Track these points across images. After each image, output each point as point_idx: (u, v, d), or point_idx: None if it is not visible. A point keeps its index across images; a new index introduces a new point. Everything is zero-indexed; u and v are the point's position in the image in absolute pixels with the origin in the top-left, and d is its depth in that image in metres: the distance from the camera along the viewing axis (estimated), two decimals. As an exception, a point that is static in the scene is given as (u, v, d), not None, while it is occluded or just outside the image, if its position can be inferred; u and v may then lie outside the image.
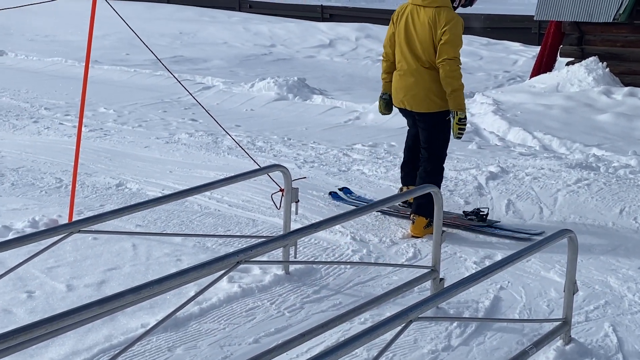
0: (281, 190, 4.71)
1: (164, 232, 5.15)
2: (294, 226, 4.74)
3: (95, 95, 9.83)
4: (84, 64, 12.58)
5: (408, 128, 5.58)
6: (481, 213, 5.44)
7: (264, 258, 4.47)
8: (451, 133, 5.19)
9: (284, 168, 4.48)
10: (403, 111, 5.43)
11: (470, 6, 5.47)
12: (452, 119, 5.12)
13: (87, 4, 14.07)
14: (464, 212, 5.58)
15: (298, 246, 4.66)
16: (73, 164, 5.35)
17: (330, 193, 6.11)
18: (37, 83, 11.46)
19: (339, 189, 6.16)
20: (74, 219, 5.17)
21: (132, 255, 4.69)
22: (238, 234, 5.16)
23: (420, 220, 5.20)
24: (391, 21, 5.43)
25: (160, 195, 5.86)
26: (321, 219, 5.39)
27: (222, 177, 6.41)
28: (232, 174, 6.25)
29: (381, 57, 5.75)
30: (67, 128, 8.43)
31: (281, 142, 8.00)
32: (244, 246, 3.26)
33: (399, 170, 5.69)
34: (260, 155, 7.25)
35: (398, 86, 5.34)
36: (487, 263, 4.72)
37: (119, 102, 9.98)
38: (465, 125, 5.13)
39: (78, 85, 10.79)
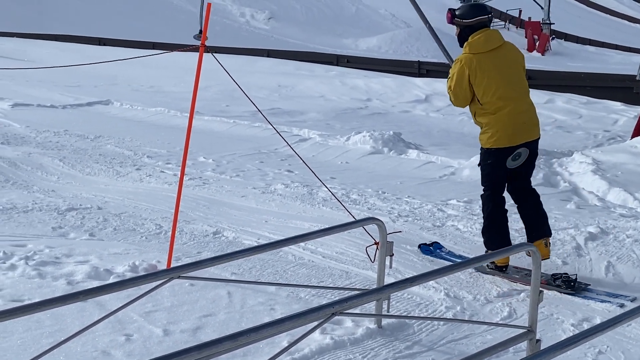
0: (376, 243, 4.72)
1: (259, 280, 5.22)
2: (388, 280, 4.73)
3: (196, 144, 10.11)
4: (185, 115, 12.99)
5: None
6: (570, 280, 5.23)
7: (357, 311, 4.47)
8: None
9: (379, 221, 4.50)
10: None
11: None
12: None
13: (190, 56, 14.56)
14: (552, 275, 5.36)
15: (391, 300, 4.64)
16: (173, 211, 5.51)
17: (419, 246, 6.07)
18: (140, 132, 11.87)
19: (429, 244, 6.11)
20: (172, 265, 5.31)
21: (227, 303, 4.76)
22: (331, 285, 5.19)
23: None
24: None
25: (255, 244, 5.96)
26: (415, 273, 5.37)
27: (316, 228, 6.47)
28: (327, 226, 6.30)
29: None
30: (167, 176, 8.69)
31: (375, 195, 8.03)
32: (338, 298, 3.28)
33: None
34: (354, 207, 7.28)
35: None
36: (586, 326, 4.59)
37: (218, 152, 10.24)
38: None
39: (179, 135, 11.15)
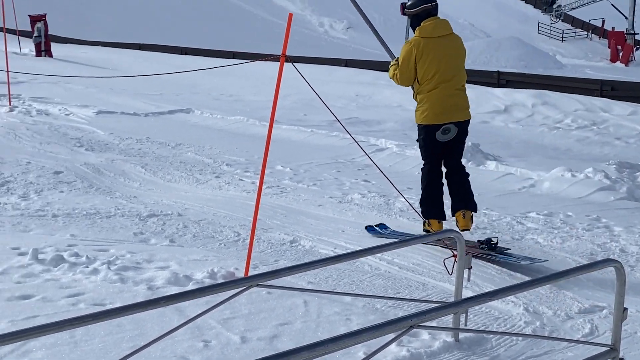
0: (454, 255, 4.66)
1: (335, 290, 5.21)
2: (465, 293, 4.67)
3: (273, 153, 10.15)
4: (264, 123, 13.14)
5: None
6: (492, 242, 5.97)
7: (434, 323, 4.42)
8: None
9: (457, 233, 4.44)
10: None
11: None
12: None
13: (268, 66, 14.72)
14: (478, 241, 6.14)
15: (468, 313, 4.57)
16: (251, 219, 5.56)
17: (366, 227, 6.69)
18: (219, 140, 12.05)
19: (376, 225, 6.72)
20: (249, 273, 5.36)
21: (303, 312, 4.77)
22: (408, 297, 5.14)
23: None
24: None
25: (332, 254, 5.97)
26: (492, 287, 5.29)
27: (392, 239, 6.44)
28: (403, 237, 6.27)
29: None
30: (246, 184, 8.79)
31: (453, 206, 7.94)
32: (417, 310, 3.25)
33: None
34: (431, 219, 7.22)
35: None
36: (673, 346, 4.42)
37: (295, 161, 10.31)
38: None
39: (257, 143, 11.27)
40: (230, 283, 3.65)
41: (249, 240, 5.61)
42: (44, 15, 26.13)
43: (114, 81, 17.28)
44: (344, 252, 6.07)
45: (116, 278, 5.17)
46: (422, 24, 6.14)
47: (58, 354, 4.00)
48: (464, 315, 4.46)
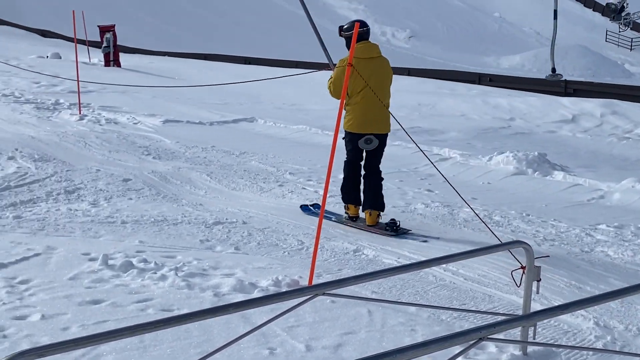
0: (522, 267, 4.59)
1: (399, 300, 5.18)
2: (534, 306, 4.59)
3: (336, 162, 10.20)
4: (326, 132, 13.17)
5: None
6: (395, 224, 7.05)
7: (502, 336, 4.36)
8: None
9: (526, 245, 4.37)
10: None
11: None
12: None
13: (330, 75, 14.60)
14: (385, 223, 7.12)
15: (537, 327, 4.49)
16: (314, 227, 5.57)
17: (300, 206, 7.77)
18: (282, 149, 12.11)
19: (311, 204, 7.82)
20: (313, 281, 5.37)
21: (367, 321, 4.76)
22: (473, 308, 5.08)
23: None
24: None
25: (395, 263, 5.94)
26: (561, 300, 5.19)
27: (457, 249, 6.38)
28: (468, 247, 6.21)
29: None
30: (309, 193, 8.82)
31: (519, 217, 7.83)
32: (483, 323, 3.21)
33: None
34: (497, 230, 7.12)
35: None
36: None
37: (358, 170, 10.28)
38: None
39: (320, 152, 11.31)
40: (297, 291, 3.66)
41: (312, 248, 5.62)
42: (113, 26, 26.72)
43: (180, 91, 17.56)
44: (407, 262, 6.04)
45: (183, 284, 5.24)
46: (355, 45, 6.83)
47: (128, 358, 4.07)
48: (533, 328, 4.38)
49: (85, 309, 4.75)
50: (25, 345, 4.18)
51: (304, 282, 5.44)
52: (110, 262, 5.60)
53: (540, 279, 4.49)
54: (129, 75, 22.37)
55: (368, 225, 7.18)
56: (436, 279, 5.70)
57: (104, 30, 26.41)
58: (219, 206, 7.94)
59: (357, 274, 5.61)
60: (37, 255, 5.79)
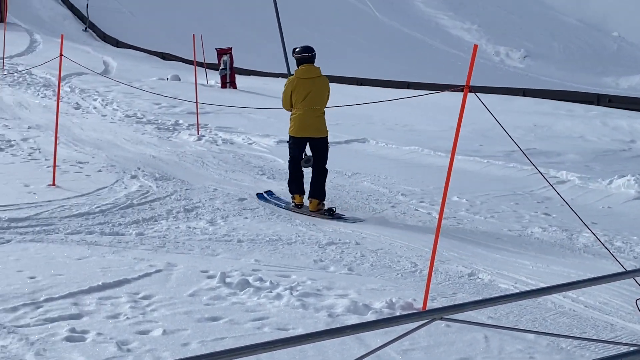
0: (647, 296, 4.42)
1: (516, 327, 5.08)
2: (660, 337, 4.40)
3: (451, 184, 10.09)
4: (439, 153, 13.08)
5: None
6: (332, 210, 8.51)
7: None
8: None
9: (652, 273, 4.20)
10: None
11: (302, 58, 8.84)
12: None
13: (441, 96, 14.55)
14: (325, 209, 8.58)
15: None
16: (427, 249, 5.53)
17: (257, 194, 9.25)
18: (394, 170, 12.10)
19: (265, 192, 9.36)
20: (427, 305, 5.32)
21: (484, 347, 4.68)
22: (595, 337, 4.92)
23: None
24: None
25: (512, 288, 5.83)
26: (690, 332, 4.95)
27: (577, 275, 6.20)
28: (588, 274, 6.02)
29: None
30: (422, 214, 8.77)
31: (642, 243, 7.53)
32: (605, 352, 3.10)
33: None
34: (618, 255, 6.87)
35: None
36: None
37: (471, 192, 10.17)
38: None
39: (432, 174, 11.24)
40: (415, 315, 3.63)
41: (426, 271, 5.59)
42: (230, 49, 27.41)
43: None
44: (525, 287, 5.92)
45: (298, 304, 5.30)
46: (299, 67, 8.79)
47: (245, 375, 4.15)
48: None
49: (204, 326, 4.88)
50: None
51: (418, 305, 5.41)
52: (228, 279, 5.73)
53: (668, 309, 4.31)
54: (244, 96, 22.89)
55: (310, 211, 8.68)
56: (555, 305, 5.55)
57: (221, 52, 27.09)
58: (332, 226, 8.00)
59: (472, 298, 5.55)
60: (158, 271, 6.00)
